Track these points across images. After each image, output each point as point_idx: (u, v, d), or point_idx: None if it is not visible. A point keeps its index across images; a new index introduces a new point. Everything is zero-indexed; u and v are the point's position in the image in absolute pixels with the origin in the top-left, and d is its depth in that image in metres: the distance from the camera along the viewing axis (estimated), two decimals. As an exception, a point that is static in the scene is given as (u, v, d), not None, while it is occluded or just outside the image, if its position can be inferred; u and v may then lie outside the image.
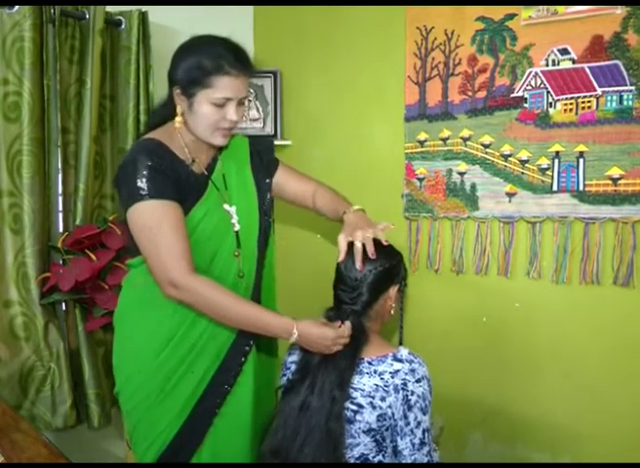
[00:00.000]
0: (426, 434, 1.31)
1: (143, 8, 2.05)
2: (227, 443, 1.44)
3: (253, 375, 1.48)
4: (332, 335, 1.30)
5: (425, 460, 1.30)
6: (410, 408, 1.28)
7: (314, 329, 1.31)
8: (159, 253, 1.28)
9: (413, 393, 1.28)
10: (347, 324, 1.34)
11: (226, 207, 1.43)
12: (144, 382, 1.38)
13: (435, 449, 1.40)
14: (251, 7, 2.38)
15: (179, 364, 1.37)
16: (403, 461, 1.31)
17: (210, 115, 1.34)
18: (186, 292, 1.28)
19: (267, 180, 1.55)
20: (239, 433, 1.46)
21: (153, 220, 1.28)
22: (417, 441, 1.30)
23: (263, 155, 1.56)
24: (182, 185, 1.34)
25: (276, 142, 2.23)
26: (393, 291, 1.39)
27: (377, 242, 1.38)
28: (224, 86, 1.32)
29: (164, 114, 1.43)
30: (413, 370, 1.30)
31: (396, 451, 1.32)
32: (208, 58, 1.32)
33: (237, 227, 1.43)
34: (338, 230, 1.40)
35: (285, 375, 1.46)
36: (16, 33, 1.80)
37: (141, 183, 1.28)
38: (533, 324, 1.80)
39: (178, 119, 1.38)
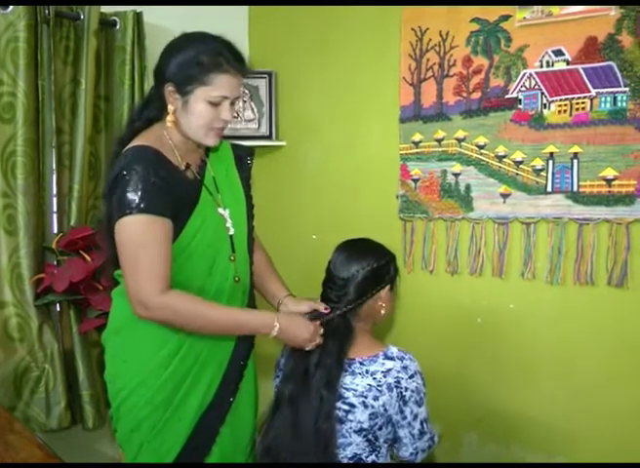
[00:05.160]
0: (425, 424, 1.33)
1: (138, 8, 2.05)
2: (234, 448, 1.44)
3: (253, 379, 1.49)
4: (312, 329, 1.33)
5: (427, 446, 1.35)
6: (405, 403, 1.29)
7: (294, 322, 1.33)
8: (135, 273, 1.25)
9: (407, 389, 1.29)
10: (324, 307, 1.37)
11: (220, 211, 1.41)
12: (149, 400, 1.34)
13: (436, 433, 1.41)
14: (246, 7, 2.38)
15: (184, 378, 1.35)
16: (404, 449, 1.35)
17: (205, 114, 1.31)
18: (157, 310, 1.25)
19: (250, 183, 1.54)
20: (244, 436, 1.46)
21: (138, 238, 1.25)
22: (416, 432, 1.32)
23: (244, 159, 1.53)
24: (179, 197, 1.31)
25: (271, 143, 2.31)
26: (384, 291, 1.38)
27: (365, 241, 1.40)
28: (223, 84, 1.29)
29: (148, 116, 1.38)
30: (405, 368, 1.30)
31: (397, 439, 1.34)
32: (207, 54, 1.28)
33: (232, 231, 1.41)
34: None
35: (278, 377, 1.47)
36: (10, 34, 1.79)
37: (134, 196, 1.24)
38: (527, 324, 1.80)
39: (169, 118, 1.33)
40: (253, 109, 2.27)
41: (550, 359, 1.76)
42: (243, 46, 2.25)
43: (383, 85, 2.03)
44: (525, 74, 1.75)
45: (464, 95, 1.87)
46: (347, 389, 1.31)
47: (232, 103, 1.34)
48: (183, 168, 1.36)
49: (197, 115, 1.31)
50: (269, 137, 2.30)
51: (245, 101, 2.24)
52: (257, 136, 2.28)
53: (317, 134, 2.23)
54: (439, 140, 1.92)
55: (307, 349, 1.35)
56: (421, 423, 1.32)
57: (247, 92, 2.23)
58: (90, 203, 2.02)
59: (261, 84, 2.27)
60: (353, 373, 1.32)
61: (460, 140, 1.88)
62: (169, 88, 1.31)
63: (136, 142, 1.32)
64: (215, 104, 1.30)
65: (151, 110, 1.38)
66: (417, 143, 1.97)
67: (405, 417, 1.30)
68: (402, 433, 1.32)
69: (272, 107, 2.28)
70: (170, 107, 1.32)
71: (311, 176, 2.23)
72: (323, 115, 2.20)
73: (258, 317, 1.34)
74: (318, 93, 2.22)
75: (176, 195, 1.30)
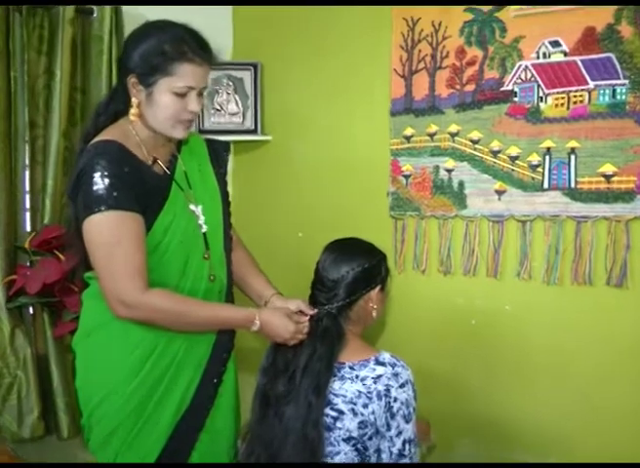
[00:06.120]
0: (407, 446, 1.28)
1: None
2: (214, 456, 1.43)
3: (233, 383, 1.48)
4: (292, 329, 1.33)
5: None
6: (392, 416, 1.26)
7: (276, 318, 1.34)
8: (113, 271, 1.24)
9: (396, 400, 1.26)
10: (310, 310, 1.36)
11: (192, 207, 1.39)
12: (122, 407, 1.32)
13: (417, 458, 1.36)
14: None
15: (159, 382, 1.33)
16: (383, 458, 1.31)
17: (171, 105, 1.29)
18: (140, 309, 1.25)
19: (226, 179, 1.52)
20: (225, 443, 1.45)
21: (110, 235, 1.23)
22: (395, 450, 1.28)
23: (220, 154, 1.52)
24: (146, 191, 1.29)
25: (256, 138, 2.28)
26: (374, 292, 1.36)
27: (355, 241, 1.39)
28: (188, 74, 1.27)
29: (114, 109, 1.36)
30: (396, 375, 1.28)
31: (378, 451, 1.31)
32: (170, 42, 1.27)
33: (205, 228, 1.40)
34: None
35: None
36: (-21, 23, 1.76)
37: (101, 193, 1.22)
38: (523, 326, 1.78)
39: (133, 111, 1.31)
40: (237, 102, 2.24)
41: (547, 362, 1.74)
42: (226, 36, 2.26)
43: (373, 77, 2.01)
44: (521, 66, 1.73)
45: (458, 87, 1.84)
46: (336, 395, 1.28)
47: (200, 94, 1.33)
48: (150, 163, 1.35)
49: (162, 107, 1.29)
50: (254, 132, 2.27)
51: (229, 94, 2.23)
52: (241, 130, 2.26)
53: (304, 128, 2.21)
54: (431, 135, 1.90)
55: (291, 344, 1.35)
56: (404, 443, 1.27)
57: (231, 84, 2.22)
58: (64, 200, 1.96)
59: (246, 76, 2.24)
60: (343, 378, 1.30)
61: (453, 135, 1.86)
62: (132, 79, 1.29)
63: (99, 137, 1.30)
64: (181, 95, 1.29)
65: (117, 104, 1.36)
66: (408, 138, 1.95)
67: (389, 430, 1.27)
68: (382, 445, 1.29)
69: (257, 100, 2.25)
70: (134, 100, 1.31)
71: (298, 172, 2.22)
72: (310, 108, 2.18)
73: (241, 312, 1.35)
74: (305, 85, 2.19)
75: (143, 190, 1.28)
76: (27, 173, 1.90)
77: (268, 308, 1.42)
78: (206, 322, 1.32)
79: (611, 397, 1.65)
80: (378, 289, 1.37)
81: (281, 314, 1.35)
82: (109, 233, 1.23)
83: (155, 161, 1.35)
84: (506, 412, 1.80)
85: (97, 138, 1.30)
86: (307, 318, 1.36)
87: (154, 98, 1.29)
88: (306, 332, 1.35)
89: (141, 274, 1.24)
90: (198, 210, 1.39)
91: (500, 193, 1.78)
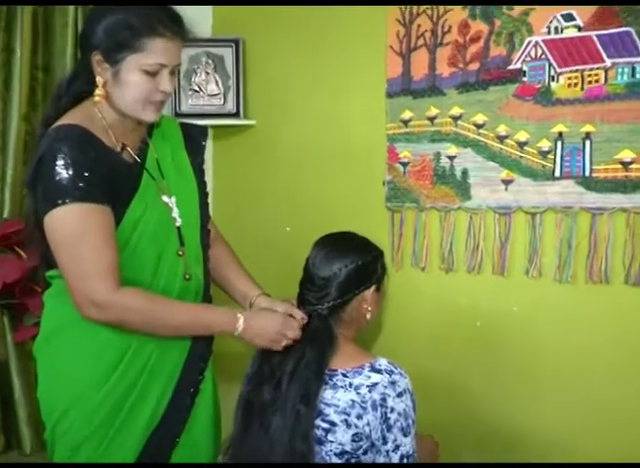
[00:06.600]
0: (405, 462, 1.24)
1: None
2: None
3: (211, 394, 1.44)
4: (277, 327, 1.29)
5: None
6: (389, 428, 1.22)
7: (260, 318, 1.32)
8: (81, 270, 1.20)
9: (393, 410, 1.22)
10: (300, 314, 1.33)
11: (165, 198, 1.34)
12: (88, 419, 1.27)
13: None
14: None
15: (128, 392, 1.28)
16: None
17: (140, 85, 1.24)
18: (112, 310, 1.21)
19: (203, 168, 1.48)
20: (203, 458, 1.42)
21: (76, 230, 1.19)
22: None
23: (196, 140, 1.48)
24: (114, 182, 1.25)
25: (238, 122, 2.22)
26: (369, 292, 1.33)
27: (348, 236, 1.37)
28: (158, 50, 1.23)
29: (77, 90, 1.31)
30: (393, 383, 1.23)
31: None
32: (137, 16, 1.22)
33: (179, 222, 1.35)
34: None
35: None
36: None
37: (64, 183, 1.18)
38: (532, 328, 1.73)
39: (98, 92, 1.26)
40: (217, 82, 2.18)
41: (559, 368, 1.69)
42: (205, 9, 2.20)
43: (368, 55, 1.95)
44: (530, 42, 1.66)
45: (461, 66, 1.77)
46: (328, 405, 1.23)
47: (172, 73, 1.29)
48: (119, 149, 1.30)
49: (131, 87, 1.25)
50: (236, 115, 2.21)
51: (208, 74, 2.17)
52: (222, 113, 2.20)
53: (291, 111, 2.16)
54: (431, 118, 1.84)
55: (282, 346, 1.30)
56: (401, 459, 1.23)
57: (210, 62, 2.16)
58: (25, 191, 1.84)
59: (227, 53, 2.17)
60: (335, 387, 1.24)
61: (455, 118, 1.80)
62: (96, 57, 1.25)
63: (61, 121, 1.26)
64: (151, 74, 1.25)
65: (79, 84, 1.31)
66: (406, 122, 1.89)
67: (386, 443, 1.22)
68: (378, 461, 1.25)
69: (240, 80, 2.19)
70: (99, 79, 1.26)
71: (285, 160, 2.17)
72: (298, 90, 2.13)
73: (223, 315, 1.31)
74: (293, 64, 2.13)
75: (111, 180, 1.25)
76: (-16, 161, 1.89)
77: (251, 311, 1.40)
78: (184, 324, 1.29)
79: (627, 406, 1.58)
80: (373, 288, 1.33)
81: (266, 313, 1.34)
82: (75, 228, 1.19)
83: (124, 148, 1.31)
84: (514, 422, 1.75)
85: (58, 122, 1.25)
86: (299, 319, 1.32)
87: (122, 77, 1.24)
88: (295, 337, 1.30)
89: (113, 272, 1.20)
90: (171, 201, 1.35)
91: (507, 183, 1.72)
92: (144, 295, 1.25)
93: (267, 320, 1.31)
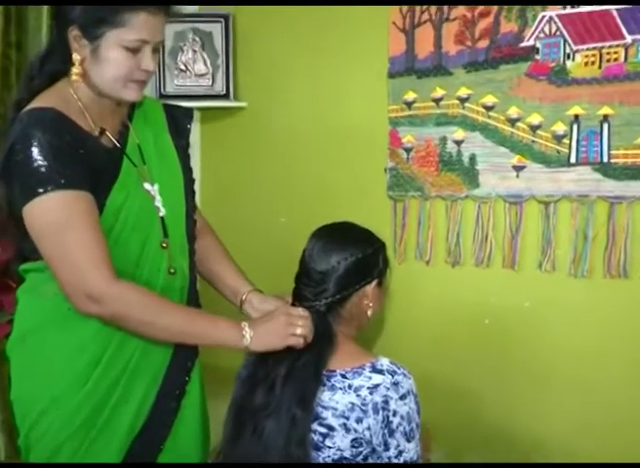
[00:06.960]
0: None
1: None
2: None
3: (199, 397, 1.41)
4: (282, 319, 1.25)
5: None
6: (391, 432, 1.20)
7: (265, 321, 1.28)
8: (73, 261, 1.17)
9: (395, 413, 1.20)
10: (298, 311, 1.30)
11: (147, 186, 1.32)
12: (67, 421, 1.25)
13: None
14: None
15: (109, 392, 1.26)
16: None
17: (121, 62, 1.22)
18: (111, 303, 1.18)
19: (189, 152, 1.45)
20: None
21: (61, 218, 1.17)
22: None
23: (181, 123, 1.46)
24: (93, 169, 1.23)
25: (228, 104, 2.17)
26: (370, 287, 1.31)
27: (347, 226, 1.36)
28: (141, 25, 1.21)
29: (51, 70, 1.29)
30: (396, 384, 1.21)
31: None
32: None
33: (162, 212, 1.33)
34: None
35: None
36: None
37: (43, 171, 1.15)
38: (545, 327, 1.69)
39: (75, 70, 1.23)
40: (205, 61, 2.12)
41: (572, 368, 1.65)
42: None
43: (368, 31, 1.89)
44: (544, 17, 1.61)
45: (468, 43, 1.73)
46: (325, 407, 1.21)
47: (155, 50, 1.28)
48: (97, 133, 1.28)
49: (112, 64, 1.23)
50: (226, 97, 2.15)
51: (195, 52, 2.10)
52: (210, 94, 2.14)
53: (285, 92, 2.10)
54: (437, 100, 1.80)
55: (300, 342, 1.26)
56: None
57: (197, 40, 2.09)
58: None
59: (216, 29, 2.11)
60: (333, 388, 1.22)
61: (462, 100, 1.76)
62: (73, 32, 1.22)
63: (33, 104, 1.23)
64: (133, 51, 1.23)
65: (54, 63, 1.29)
66: (409, 104, 1.84)
67: (388, 449, 1.20)
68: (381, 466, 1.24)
69: (229, 59, 2.14)
70: (76, 56, 1.24)
71: (278, 145, 2.12)
72: (293, 70, 2.07)
73: (228, 324, 1.26)
74: (287, 41, 2.07)
75: (90, 167, 1.22)
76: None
77: (250, 319, 1.35)
78: (186, 330, 1.25)
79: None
80: (374, 283, 1.31)
81: (265, 314, 1.31)
82: (60, 216, 1.17)
83: (103, 132, 1.28)
84: (524, 425, 1.71)
85: (30, 106, 1.22)
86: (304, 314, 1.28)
87: (101, 54, 1.22)
88: (306, 326, 1.26)
89: (106, 262, 1.18)
90: (154, 189, 1.33)
91: (518, 169, 1.69)
92: (143, 290, 1.23)
93: (271, 324, 1.28)
